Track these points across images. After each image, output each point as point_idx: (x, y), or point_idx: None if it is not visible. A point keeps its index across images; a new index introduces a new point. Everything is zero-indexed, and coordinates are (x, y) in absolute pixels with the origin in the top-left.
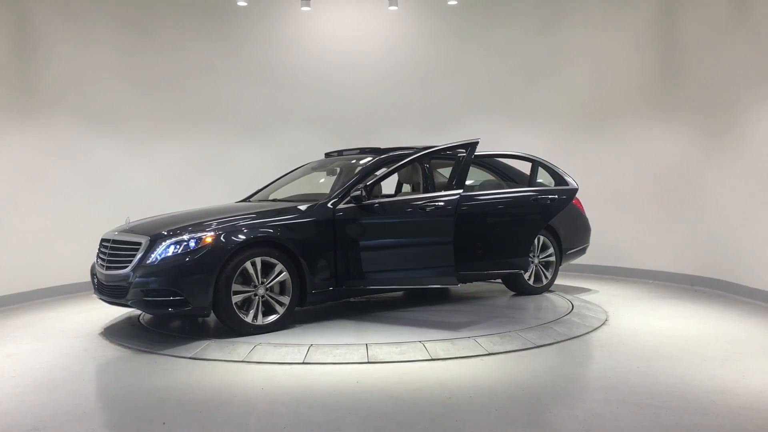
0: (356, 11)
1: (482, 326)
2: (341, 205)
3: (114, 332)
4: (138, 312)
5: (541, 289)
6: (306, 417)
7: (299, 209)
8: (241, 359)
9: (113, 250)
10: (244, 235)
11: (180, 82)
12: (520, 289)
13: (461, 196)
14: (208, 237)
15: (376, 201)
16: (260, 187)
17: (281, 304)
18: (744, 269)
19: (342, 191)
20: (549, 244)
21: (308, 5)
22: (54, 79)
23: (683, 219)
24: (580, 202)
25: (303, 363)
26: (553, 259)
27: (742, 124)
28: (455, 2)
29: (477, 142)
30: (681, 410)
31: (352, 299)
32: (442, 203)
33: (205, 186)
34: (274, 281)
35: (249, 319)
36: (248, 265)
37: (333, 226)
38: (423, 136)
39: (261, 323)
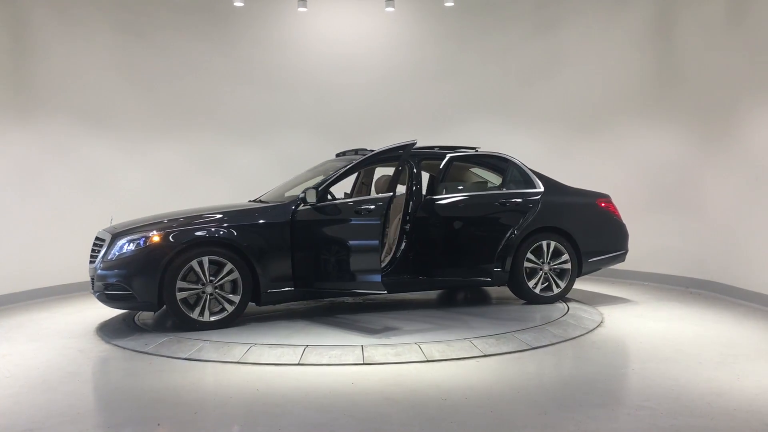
0: (353, 12)
1: (478, 328)
2: (301, 207)
3: (109, 332)
4: (132, 312)
5: (551, 298)
6: (301, 418)
7: (257, 210)
8: (236, 360)
9: (94, 246)
10: (190, 235)
11: (177, 82)
12: (526, 297)
13: (391, 199)
14: (156, 236)
15: (327, 203)
16: (278, 186)
17: (231, 302)
18: (740, 272)
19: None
20: (562, 250)
21: (305, 6)
22: (50, 78)
23: (680, 221)
24: (612, 205)
25: (298, 364)
26: (568, 266)
27: (740, 126)
28: (452, 4)
29: (413, 143)
30: (676, 413)
31: (348, 300)
32: (372, 206)
33: (202, 186)
34: (225, 280)
35: (195, 315)
36: (194, 263)
37: (291, 228)
38: (420, 138)
39: (206, 320)
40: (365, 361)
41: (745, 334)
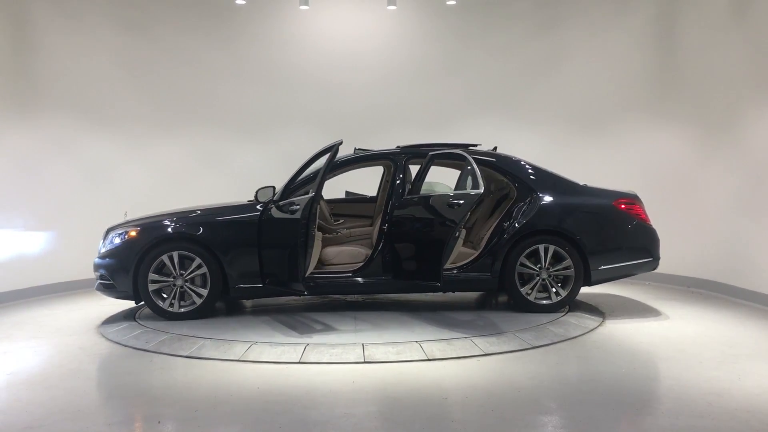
0: (355, 10)
1: (479, 327)
2: (270, 206)
3: (110, 330)
4: (133, 310)
5: (548, 307)
6: (302, 417)
7: (229, 208)
8: (236, 358)
9: None
10: (161, 231)
11: (178, 80)
12: (519, 304)
13: (313, 199)
14: (133, 231)
15: (286, 201)
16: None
17: (200, 295)
18: (740, 271)
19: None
20: (564, 255)
21: (306, 4)
22: (52, 75)
23: (680, 220)
24: (637, 206)
25: (299, 362)
26: (570, 273)
27: (741, 125)
28: (454, 2)
29: (339, 143)
30: (677, 412)
31: (348, 298)
32: (297, 206)
33: (204, 183)
34: (195, 274)
35: (165, 305)
36: (165, 258)
37: (259, 226)
38: (423, 136)
39: (176, 310)
40: (366, 360)
41: (746, 334)
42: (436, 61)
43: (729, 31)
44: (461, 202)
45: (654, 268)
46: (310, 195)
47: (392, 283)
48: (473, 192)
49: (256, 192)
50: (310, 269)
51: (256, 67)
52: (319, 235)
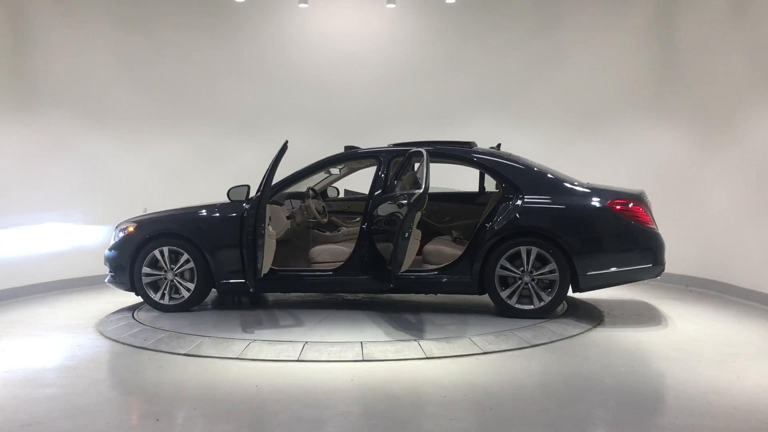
0: (354, 9)
1: (478, 325)
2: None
3: (108, 328)
4: (132, 307)
5: (529, 312)
6: (300, 415)
7: (217, 206)
8: (235, 356)
9: None
10: (153, 227)
11: (178, 77)
12: (500, 308)
13: (259, 199)
14: (131, 227)
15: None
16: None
17: (188, 289)
18: (739, 270)
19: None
20: (548, 258)
21: (306, 2)
22: (52, 74)
23: (679, 219)
24: (637, 208)
25: (298, 360)
26: (555, 277)
27: (740, 125)
28: (453, 1)
29: (285, 143)
30: (676, 411)
31: (347, 297)
32: (248, 205)
33: (203, 182)
34: (184, 268)
35: (157, 297)
36: (156, 252)
37: (241, 224)
38: (422, 135)
39: (166, 302)
40: (365, 358)
41: (745, 333)
42: (436, 60)
43: (728, 31)
44: (404, 202)
45: (657, 275)
46: (256, 195)
47: (364, 282)
48: (414, 192)
49: (228, 191)
50: (267, 267)
51: (255, 66)
52: (272, 233)
